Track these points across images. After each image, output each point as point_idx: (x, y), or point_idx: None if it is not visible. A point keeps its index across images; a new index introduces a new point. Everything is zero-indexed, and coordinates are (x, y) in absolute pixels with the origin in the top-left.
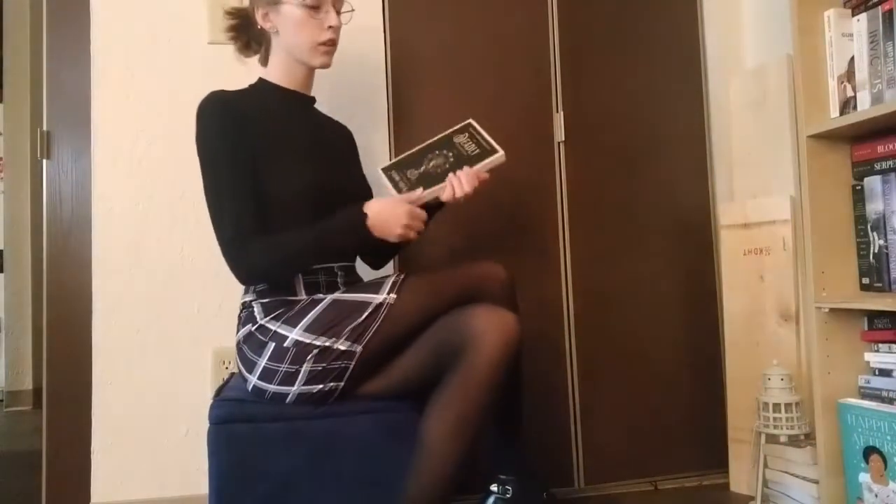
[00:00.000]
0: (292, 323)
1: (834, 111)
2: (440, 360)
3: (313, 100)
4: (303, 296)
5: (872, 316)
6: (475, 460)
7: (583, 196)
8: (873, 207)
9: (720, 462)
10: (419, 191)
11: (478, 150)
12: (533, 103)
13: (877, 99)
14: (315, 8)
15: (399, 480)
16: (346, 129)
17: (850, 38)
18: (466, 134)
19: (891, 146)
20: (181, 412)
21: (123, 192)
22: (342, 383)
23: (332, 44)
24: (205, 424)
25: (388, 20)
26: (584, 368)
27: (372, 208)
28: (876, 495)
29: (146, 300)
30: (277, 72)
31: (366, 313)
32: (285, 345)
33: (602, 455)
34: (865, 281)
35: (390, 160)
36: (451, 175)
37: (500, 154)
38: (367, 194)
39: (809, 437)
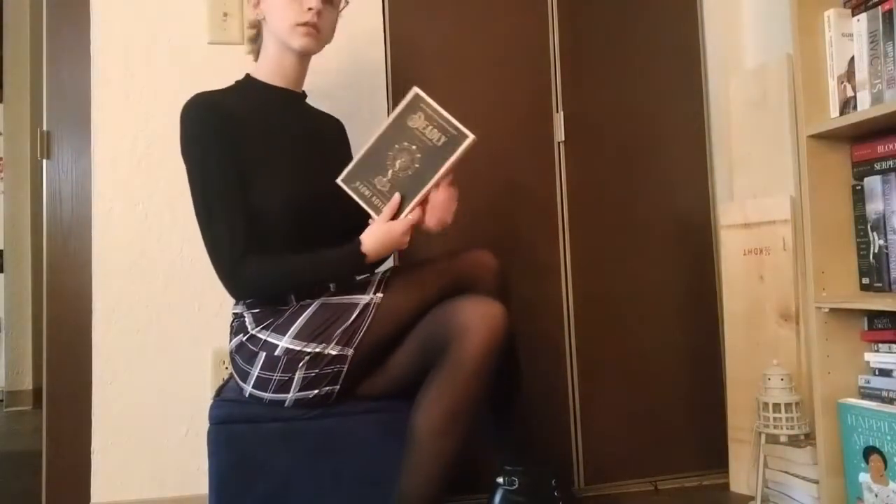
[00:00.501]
0: (281, 331)
1: (834, 111)
2: (428, 356)
3: (303, 95)
4: (293, 304)
5: (872, 316)
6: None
7: (583, 196)
8: (873, 207)
9: (720, 462)
10: (407, 210)
11: (444, 138)
12: (533, 103)
13: (877, 99)
14: None
15: (398, 480)
16: (337, 122)
17: (850, 38)
18: (421, 114)
19: (891, 146)
20: (181, 412)
21: (123, 192)
22: (338, 386)
23: (312, 27)
24: (205, 424)
25: (388, 20)
26: (584, 368)
27: (368, 244)
28: (876, 495)
29: (146, 300)
30: (266, 65)
31: (354, 315)
32: (276, 353)
33: (602, 455)
34: (865, 281)
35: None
36: (426, 206)
37: (471, 138)
38: None
39: (809, 437)
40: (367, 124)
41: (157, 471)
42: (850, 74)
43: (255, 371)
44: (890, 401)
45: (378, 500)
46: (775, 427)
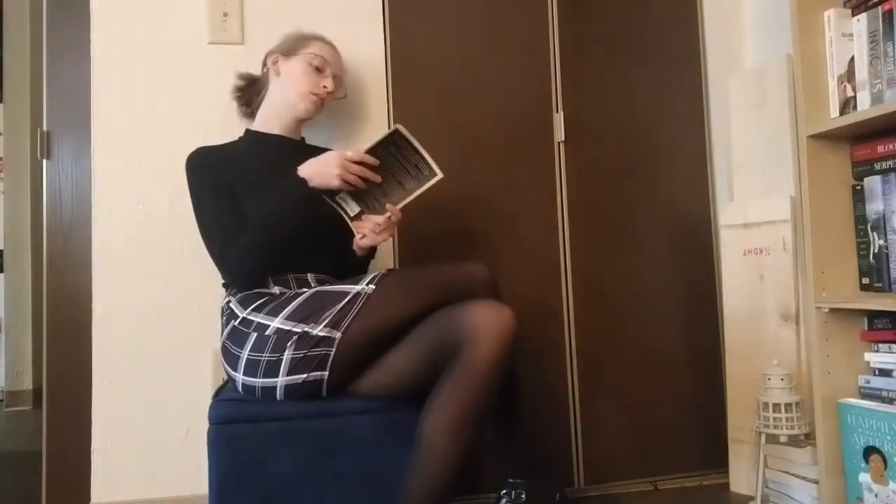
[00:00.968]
0: (275, 313)
1: (834, 111)
2: (437, 359)
3: (301, 140)
4: (275, 289)
5: (872, 316)
6: (476, 459)
7: (583, 196)
8: (873, 207)
9: (720, 462)
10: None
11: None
12: (533, 103)
13: (877, 99)
14: (319, 70)
15: (399, 480)
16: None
17: (850, 38)
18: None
19: (891, 146)
20: (181, 412)
21: (123, 192)
22: (326, 373)
23: (320, 99)
24: (205, 424)
25: (388, 20)
26: (584, 368)
27: (303, 168)
28: (876, 495)
29: (146, 300)
30: (264, 119)
31: (344, 301)
32: (266, 333)
33: (602, 455)
34: (865, 281)
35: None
36: (365, 220)
37: (439, 176)
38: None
39: (809, 437)
40: (367, 125)
41: (157, 471)
42: (850, 74)
43: (245, 353)
44: (890, 401)
45: (378, 500)
46: (775, 427)
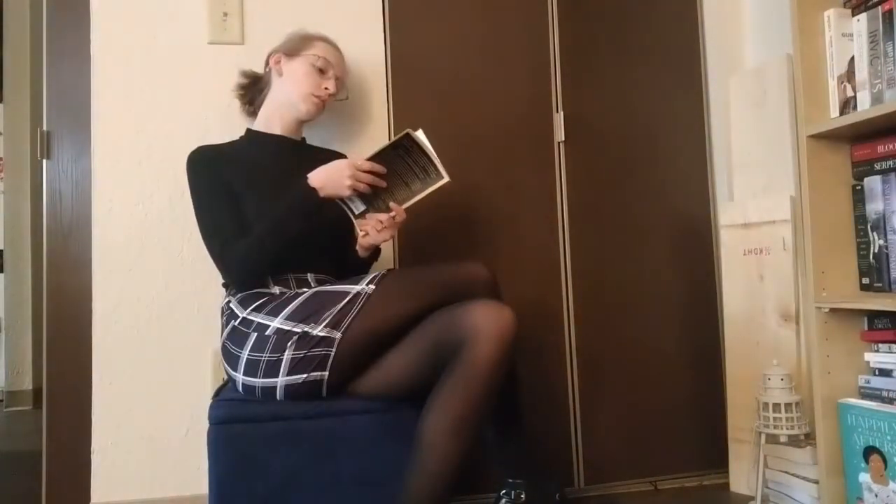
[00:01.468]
0: (275, 313)
1: (834, 111)
2: (437, 359)
3: (302, 141)
4: (275, 289)
5: (872, 316)
6: (476, 459)
7: (583, 196)
8: (873, 207)
9: (720, 462)
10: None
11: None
12: (533, 103)
13: (877, 99)
14: (322, 71)
15: (398, 480)
16: (338, 155)
17: (850, 38)
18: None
19: (891, 146)
20: (181, 412)
21: (123, 192)
22: (326, 373)
23: (322, 101)
24: (205, 424)
25: (388, 20)
26: (584, 368)
27: (313, 177)
28: (876, 495)
29: (146, 300)
30: (265, 119)
31: (344, 301)
32: (266, 333)
33: (602, 455)
34: (865, 281)
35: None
36: (368, 218)
37: (445, 179)
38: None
39: (809, 437)
40: (368, 125)
41: (157, 471)
42: (850, 74)
43: (245, 353)
44: (890, 401)
45: (378, 500)
46: (775, 427)
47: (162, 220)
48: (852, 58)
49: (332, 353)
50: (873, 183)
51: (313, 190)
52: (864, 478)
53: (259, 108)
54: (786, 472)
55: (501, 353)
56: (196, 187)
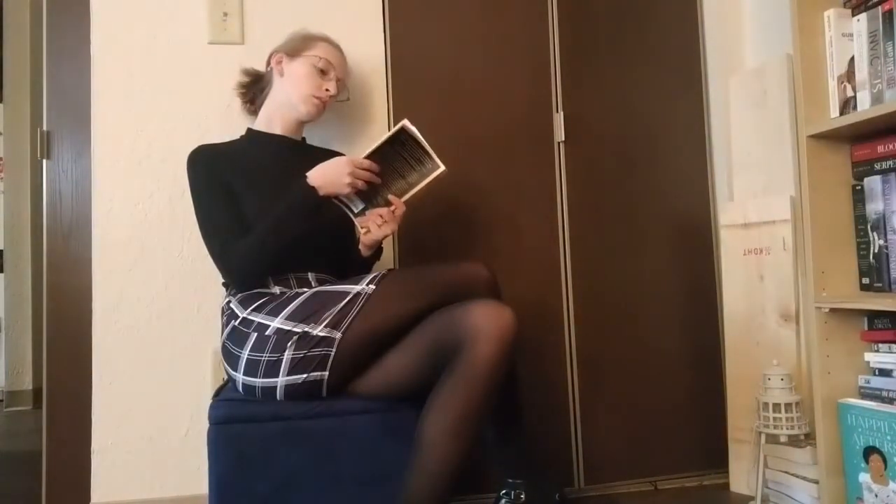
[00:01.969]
0: (275, 313)
1: (834, 111)
2: (438, 359)
3: (302, 140)
4: (275, 289)
5: (872, 316)
6: (476, 459)
7: (583, 196)
8: (873, 207)
9: (720, 462)
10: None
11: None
12: (533, 103)
13: (877, 99)
14: (323, 72)
15: (399, 480)
16: (339, 156)
17: (850, 38)
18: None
19: (891, 146)
20: (181, 412)
21: (123, 192)
22: (326, 373)
23: (322, 102)
24: (205, 424)
25: (388, 20)
26: (584, 368)
27: (312, 174)
28: (876, 495)
29: (146, 300)
30: (266, 119)
31: (344, 301)
32: (266, 333)
33: (602, 455)
34: (865, 281)
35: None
36: (368, 215)
37: (442, 169)
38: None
39: (809, 437)
40: (368, 125)
41: (157, 471)
42: (850, 74)
43: (245, 353)
44: (890, 401)
45: (378, 500)
46: (775, 427)
47: (162, 219)
48: (852, 58)
49: (333, 353)
50: (873, 183)
51: (313, 189)
52: (864, 478)
53: (260, 107)
54: (786, 472)
55: (502, 353)
56: (196, 187)
